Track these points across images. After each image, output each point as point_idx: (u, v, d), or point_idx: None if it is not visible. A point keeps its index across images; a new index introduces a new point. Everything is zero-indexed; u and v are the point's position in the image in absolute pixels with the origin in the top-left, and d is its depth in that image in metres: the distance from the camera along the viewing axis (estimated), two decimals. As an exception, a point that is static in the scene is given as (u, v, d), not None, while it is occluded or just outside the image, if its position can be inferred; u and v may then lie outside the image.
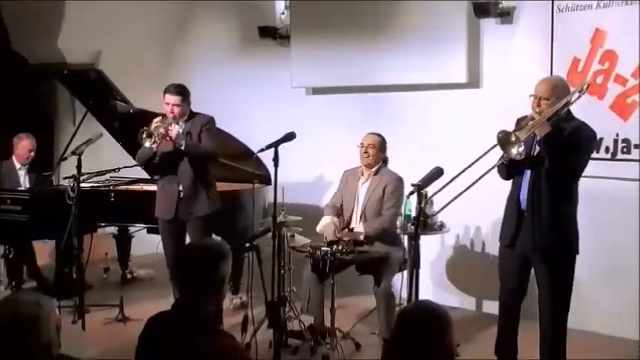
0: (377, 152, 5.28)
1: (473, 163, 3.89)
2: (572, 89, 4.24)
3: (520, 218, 4.26)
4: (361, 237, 5.10)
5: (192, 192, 5.21)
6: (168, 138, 5.06)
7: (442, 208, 4.09)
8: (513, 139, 3.93)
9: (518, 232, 4.27)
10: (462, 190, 3.82)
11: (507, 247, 4.36)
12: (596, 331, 5.38)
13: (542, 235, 4.16)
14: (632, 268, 5.23)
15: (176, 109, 5.14)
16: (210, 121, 5.29)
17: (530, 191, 4.20)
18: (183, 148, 5.09)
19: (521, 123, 4.15)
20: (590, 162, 5.19)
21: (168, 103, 5.15)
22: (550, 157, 4.08)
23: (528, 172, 4.22)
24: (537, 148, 4.17)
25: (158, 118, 5.11)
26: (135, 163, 5.76)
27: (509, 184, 4.39)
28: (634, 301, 5.19)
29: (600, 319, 5.40)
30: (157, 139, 5.01)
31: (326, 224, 5.25)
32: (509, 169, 4.26)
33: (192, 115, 5.27)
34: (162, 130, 5.02)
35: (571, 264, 4.27)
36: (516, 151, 3.92)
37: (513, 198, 4.33)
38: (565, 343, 4.31)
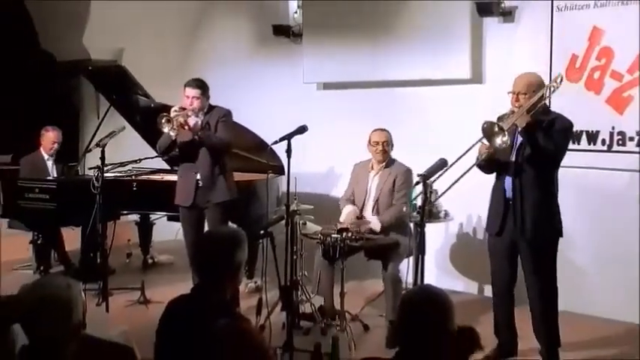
0: (389, 147, 5.28)
1: (465, 153, 3.95)
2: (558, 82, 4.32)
3: (506, 206, 4.27)
4: (377, 228, 5.10)
5: (210, 181, 5.20)
6: (186, 127, 5.06)
7: (442, 193, 4.17)
8: (497, 129, 3.95)
9: (505, 220, 4.28)
10: (458, 177, 3.89)
11: (496, 235, 4.36)
12: (599, 315, 5.35)
13: (529, 220, 4.18)
14: (632, 253, 5.19)
15: (195, 102, 5.13)
16: (227, 114, 5.28)
17: (514, 180, 4.22)
18: (198, 138, 5.09)
19: (503, 119, 4.17)
20: (588, 154, 5.18)
21: (188, 96, 5.14)
22: (531, 146, 4.11)
23: (511, 163, 4.24)
24: (519, 139, 4.19)
25: (177, 107, 5.11)
26: (155, 154, 5.76)
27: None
28: (634, 286, 5.15)
29: (602, 303, 5.37)
30: (175, 126, 5.01)
31: (348, 212, 5.26)
32: (490, 165, 4.27)
33: (211, 108, 5.26)
34: (181, 119, 5.02)
35: (555, 246, 4.29)
36: (501, 140, 3.95)
37: (499, 188, 4.34)
38: (557, 322, 4.31)
